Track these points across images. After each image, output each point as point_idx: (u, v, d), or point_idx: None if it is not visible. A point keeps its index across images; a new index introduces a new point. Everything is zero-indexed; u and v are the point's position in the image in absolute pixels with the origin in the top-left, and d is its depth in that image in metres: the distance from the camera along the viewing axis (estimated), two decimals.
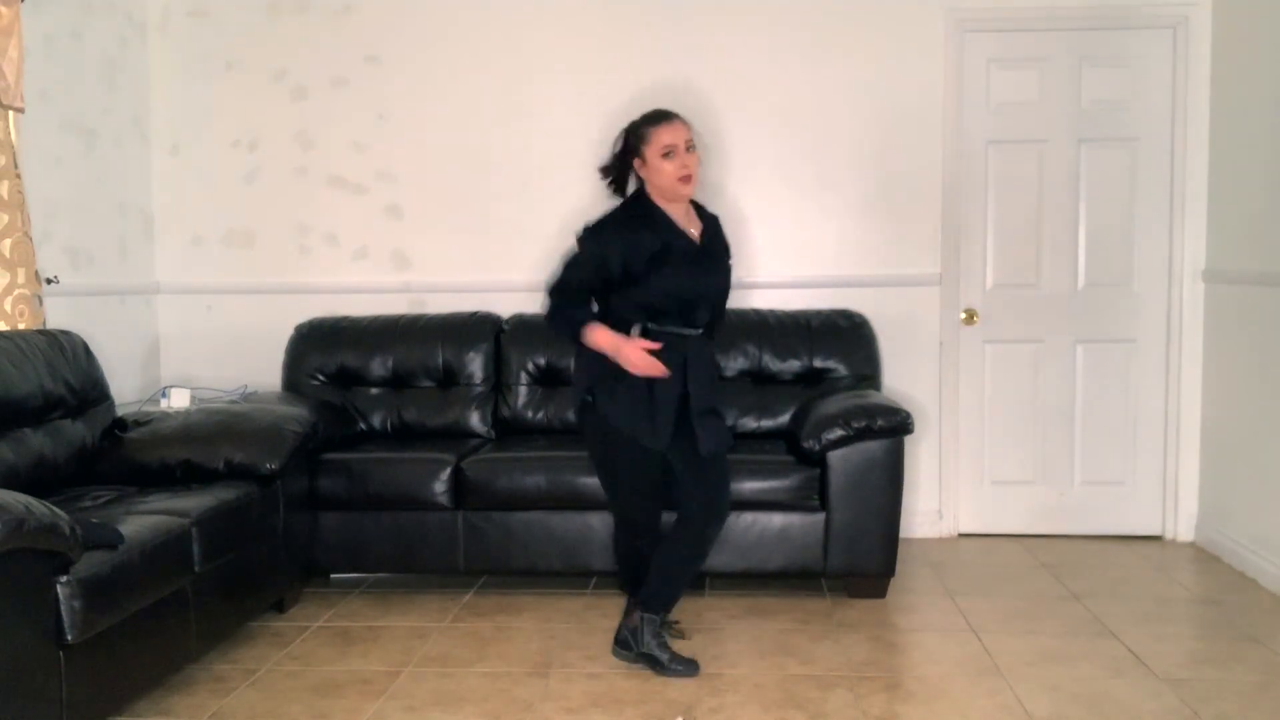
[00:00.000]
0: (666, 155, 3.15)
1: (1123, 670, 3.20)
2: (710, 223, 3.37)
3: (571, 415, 4.29)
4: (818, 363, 4.33)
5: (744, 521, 3.81)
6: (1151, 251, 4.56)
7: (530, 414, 4.40)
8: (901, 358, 4.58)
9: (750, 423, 4.29)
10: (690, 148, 3.20)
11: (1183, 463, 4.56)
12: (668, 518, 3.33)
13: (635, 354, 3.07)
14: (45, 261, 3.97)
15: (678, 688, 3.10)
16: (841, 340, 4.35)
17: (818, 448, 3.76)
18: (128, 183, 4.61)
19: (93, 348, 3.81)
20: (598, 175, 3.31)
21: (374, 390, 4.44)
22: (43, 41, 4.01)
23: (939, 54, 4.53)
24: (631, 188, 3.27)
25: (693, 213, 3.31)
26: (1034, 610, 3.75)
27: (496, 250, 4.67)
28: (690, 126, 3.24)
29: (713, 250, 3.33)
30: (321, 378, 4.45)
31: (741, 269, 4.59)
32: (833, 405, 3.92)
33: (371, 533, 3.94)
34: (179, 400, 4.16)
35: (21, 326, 3.70)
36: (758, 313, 4.45)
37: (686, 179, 3.17)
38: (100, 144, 4.41)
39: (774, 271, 4.62)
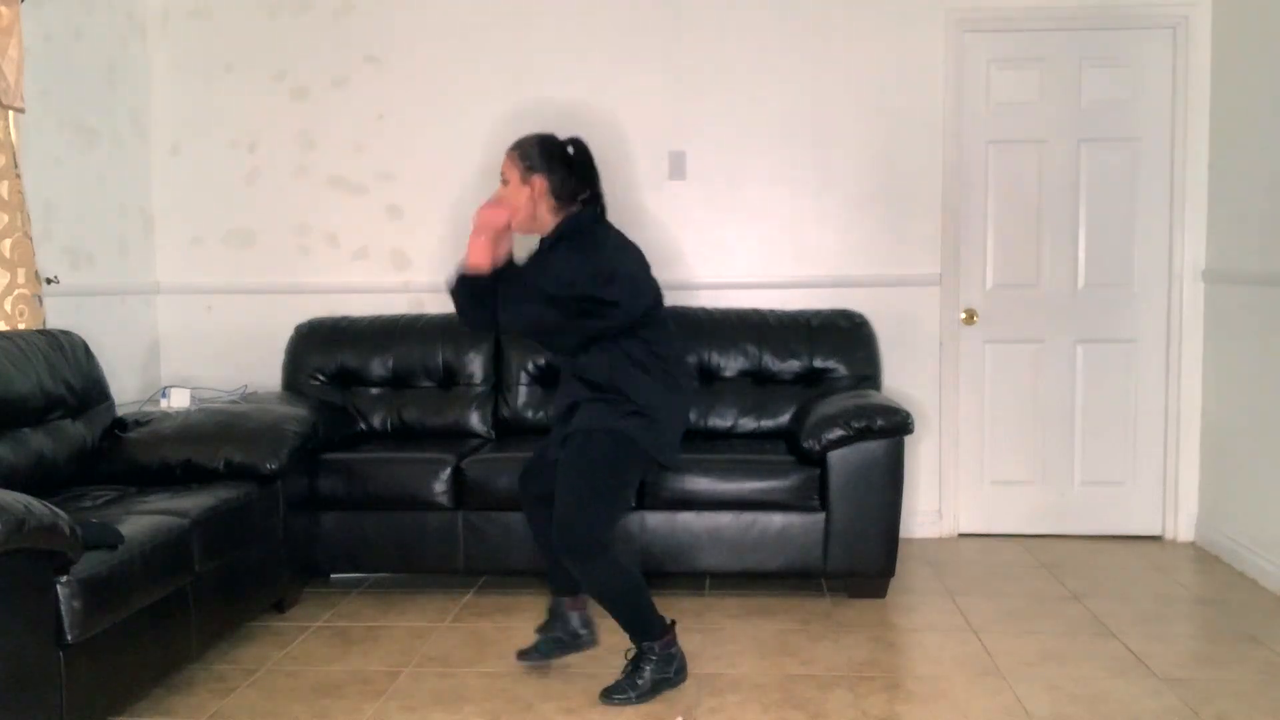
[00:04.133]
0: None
1: (1123, 670, 3.20)
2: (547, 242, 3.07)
3: None
4: (818, 363, 4.33)
5: (744, 521, 3.82)
6: (1151, 251, 4.56)
7: (530, 414, 4.40)
8: (901, 358, 4.59)
9: (750, 423, 4.29)
10: (504, 181, 3.04)
11: (1183, 463, 4.56)
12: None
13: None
14: (45, 261, 3.97)
15: (677, 687, 3.09)
16: (841, 340, 4.35)
17: (818, 448, 3.76)
18: (128, 183, 4.61)
19: (93, 348, 3.81)
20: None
21: (374, 390, 4.44)
22: (43, 41, 4.01)
23: (939, 54, 4.53)
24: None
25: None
26: (1034, 610, 3.75)
27: None
28: (509, 156, 3.05)
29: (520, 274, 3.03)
30: (321, 378, 4.45)
31: (742, 269, 4.64)
32: (833, 405, 3.92)
33: (371, 533, 3.94)
34: (179, 400, 4.16)
35: (21, 326, 3.70)
36: (758, 313, 4.45)
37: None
38: (100, 144, 4.41)
39: (774, 271, 4.63)
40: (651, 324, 3.07)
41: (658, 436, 3.03)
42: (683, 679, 3.08)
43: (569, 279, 2.92)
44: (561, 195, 3.02)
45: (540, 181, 3.00)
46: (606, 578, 3.01)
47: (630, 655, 3.06)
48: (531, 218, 3.03)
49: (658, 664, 3.02)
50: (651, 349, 3.04)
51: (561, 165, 3.02)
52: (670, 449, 3.11)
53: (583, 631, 3.27)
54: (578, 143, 3.09)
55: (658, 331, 3.08)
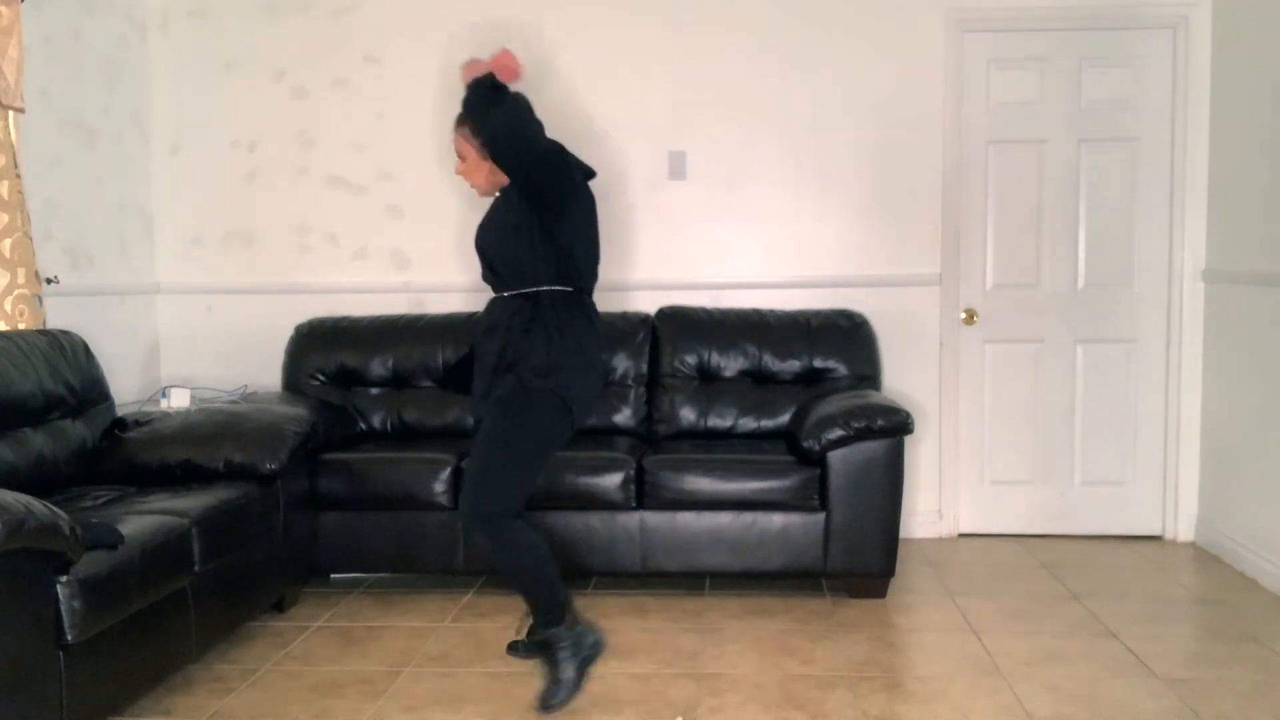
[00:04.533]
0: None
1: (1123, 670, 3.20)
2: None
3: None
4: (818, 363, 4.33)
5: (744, 521, 3.82)
6: (1151, 251, 4.56)
7: None
8: (901, 358, 4.59)
9: (750, 423, 4.29)
10: (460, 156, 3.09)
11: (1183, 463, 4.56)
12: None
13: None
14: (45, 261, 3.97)
15: (678, 688, 3.10)
16: (841, 340, 4.35)
17: (818, 448, 3.76)
18: (128, 183, 4.61)
19: (93, 348, 3.81)
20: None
21: (374, 390, 4.45)
22: (43, 41, 4.01)
23: (939, 54, 4.53)
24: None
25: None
26: (1034, 610, 3.75)
27: None
28: (460, 133, 3.06)
29: (496, 206, 3.13)
30: (321, 378, 4.45)
31: (742, 269, 4.64)
32: (833, 405, 3.92)
33: (371, 533, 3.94)
34: (179, 400, 4.16)
35: (21, 326, 3.70)
36: (758, 313, 4.45)
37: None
38: (100, 144, 4.41)
39: (774, 271, 4.63)
40: (584, 298, 3.07)
41: (578, 392, 2.97)
42: (600, 649, 2.98)
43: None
44: None
45: None
46: (516, 549, 2.92)
47: (538, 642, 2.96)
48: (493, 185, 3.08)
49: (571, 647, 2.91)
50: (587, 320, 3.03)
51: None
52: (585, 410, 3.04)
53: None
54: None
55: (588, 309, 3.07)
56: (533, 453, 2.96)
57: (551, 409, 2.94)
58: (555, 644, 2.92)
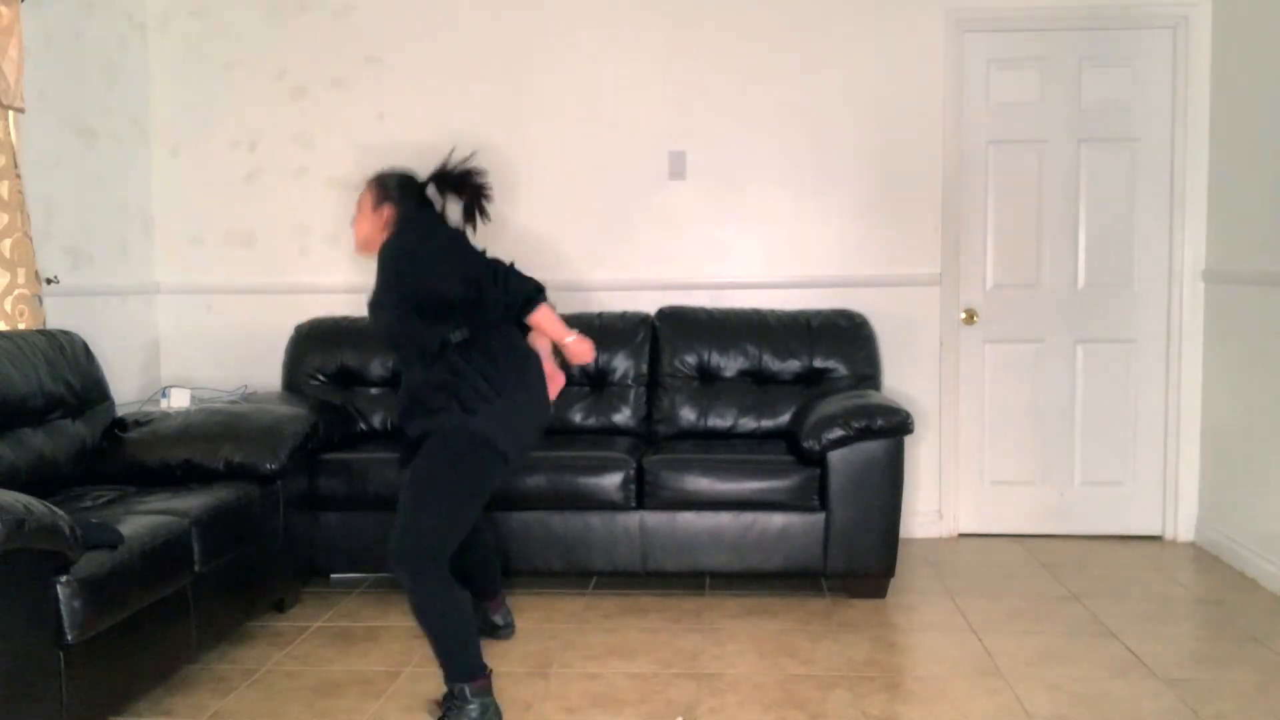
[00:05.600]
0: None
1: (1123, 670, 3.20)
2: None
3: (577, 417, 4.32)
4: (818, 363, 4.33)
5: (744, 521, 3.82)
6: (1151, 251, 4.56)
7: None
8: (901, 358, 4.59)
9: (750, 423, 4.29)
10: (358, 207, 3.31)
11: (1183, 463, 4.55)
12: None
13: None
14: (45, 261, 3.97)
15: (678, 688, 3.10)
16: (841, 340, 4.35)
17: (818, 448, 3.76)
18: (128, 183, 4.61)
19: (93, 348, 3.81)
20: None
21: (374, 390, 4.44)
22: (43, 41, 4.01)
23: (939, 54, 4.53)
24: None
25: None
26: (1034, 610, 3.75)
27: (495, 250, 4.65)
28: (368, 186, 3.31)
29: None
30: (321, 378, 4.45)
31: (742, 269, 4.65)
32: (833, 405, 3.92)
33: (372, 533, 3.92)
34: (179, 400, 4.16)
35: (21, 326, 3.70)
36: (758, 313, 4.45)
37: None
38: (100, 144, 4.41)
39: (774, 271, 4.63)
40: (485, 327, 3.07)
41: (506, 430, 2.92)
42: None
43: (394, 266, 3.07)
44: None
45: (389, 211, 3.24)
46: (433, 599, 2.84)
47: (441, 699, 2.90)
48: (368, 245, 3.27)
49: (475, 712, 2.80)
50: (490, 355, 2.99)
51: (415, 199, 3.27)
52: (515, 443, 2.96)
53: (500, 622, 3.46)
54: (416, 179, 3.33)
55: (491, 335, 3.06)
56: (453, 494, 2.91)
57: (469, 449, 2.90)
58: (458, 701, 2.82)
